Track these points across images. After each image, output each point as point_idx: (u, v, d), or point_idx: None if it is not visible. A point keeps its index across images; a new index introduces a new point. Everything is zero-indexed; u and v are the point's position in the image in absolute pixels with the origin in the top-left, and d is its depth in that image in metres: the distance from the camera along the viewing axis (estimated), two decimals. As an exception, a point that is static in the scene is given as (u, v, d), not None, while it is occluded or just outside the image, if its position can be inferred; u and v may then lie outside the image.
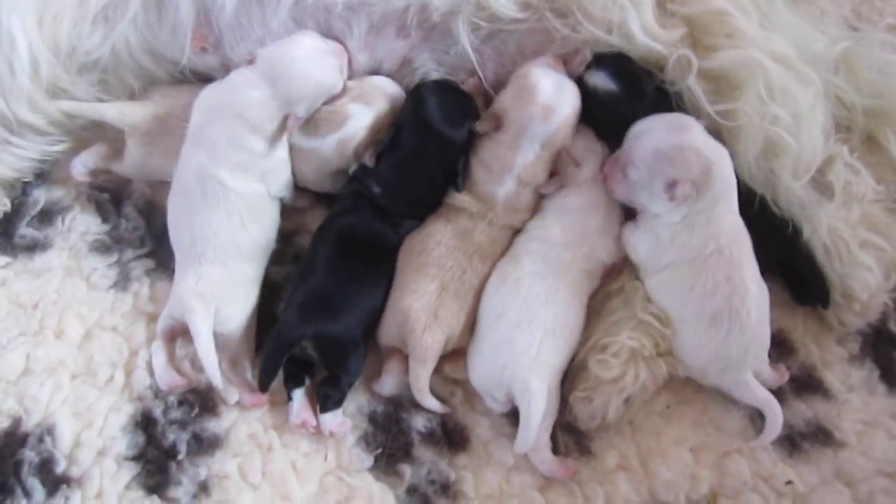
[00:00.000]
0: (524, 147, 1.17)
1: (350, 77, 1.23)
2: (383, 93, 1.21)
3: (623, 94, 1.18)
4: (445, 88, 1.20)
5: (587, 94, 1.19)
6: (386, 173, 1.19)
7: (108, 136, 1.28)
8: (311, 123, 1.19)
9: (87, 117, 1.25)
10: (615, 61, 1.19)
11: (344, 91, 1.20)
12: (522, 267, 1.14)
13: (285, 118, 1.17)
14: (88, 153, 1.27)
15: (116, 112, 1.24)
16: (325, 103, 1.19)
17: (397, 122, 1.20)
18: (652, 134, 1.12)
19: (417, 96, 1.19)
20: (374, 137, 1.20)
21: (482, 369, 1.12)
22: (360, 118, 1.19)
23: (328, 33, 1.21)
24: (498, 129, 1.18)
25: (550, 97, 1.16)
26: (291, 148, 1.21)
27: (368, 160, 1.18)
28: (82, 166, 1.27)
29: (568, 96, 1.17)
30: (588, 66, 1.20)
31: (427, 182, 1.19)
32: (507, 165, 1.17)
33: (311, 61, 1.17)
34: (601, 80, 1.19)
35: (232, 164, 1.15)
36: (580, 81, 1.19)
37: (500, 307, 1.12)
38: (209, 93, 1.19)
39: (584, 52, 1.20)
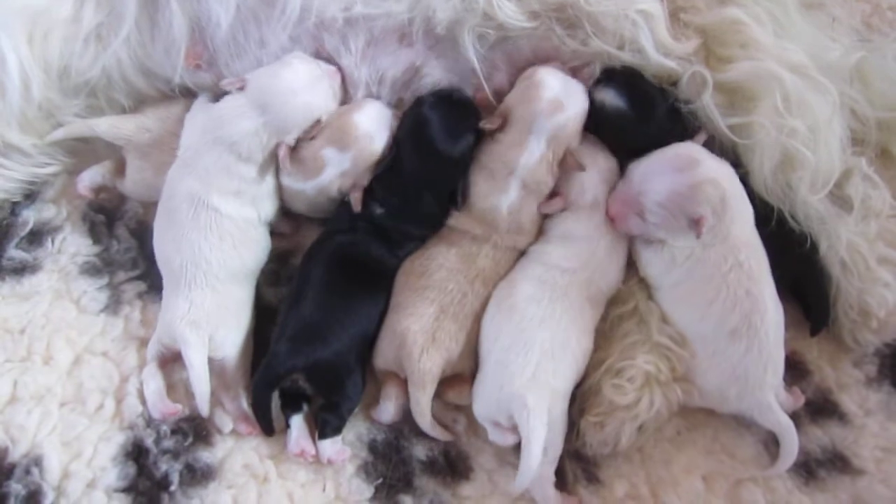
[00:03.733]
0: (530, 144, 1.13)
1: (347, 93, 1.20)
2: (357, 135, 1.15)
3: (632, 111, 1.15)
4: (445, 102, 1.16)
5: (595, 110, 1.15)
6: (389, 194, 1.16)
7: (98, 159, 1.26)
8: (293, 164, 1.16)
9: (80, 136, 1.23)
10: (625, 77, 1.16)
11: (321, 127, 1.16)
12: (518, 292, 1.11)
13: (276, 146, 1.15)
14: (96, 168, 1.26)
15: (108, 126, 1.22)
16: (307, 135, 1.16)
17: (397, 140, 1.16)
18: (663, 176, 1.09)
19: (416, 114, 1.15)
20: (358, 179, 1.16)
21: (484, 395, 1.08)
22: (337, 165, 1.15)
23: (321, 51, 1.18)
24: (502, 129, 1.15)
25: (557, 93, 1.13)
26: (283, 187, 1.19)
27: (355, 205, 1.15)
28: (89, 181, 1.25)
29: (576, 94, 1.14)
30: (597, 81, 1.17)
31: (432, 200, 1.16)
32: (510, 166, 1.14)
33: (304, 90, 1.14)
34: (610, 97, 1.16)
35: (224, 190, 1.13)
36: (589, 97, 1.16)
37: (496, 332, 1.09)
38: (199, 118, 1.16)
39: (594, 66, 1.17)
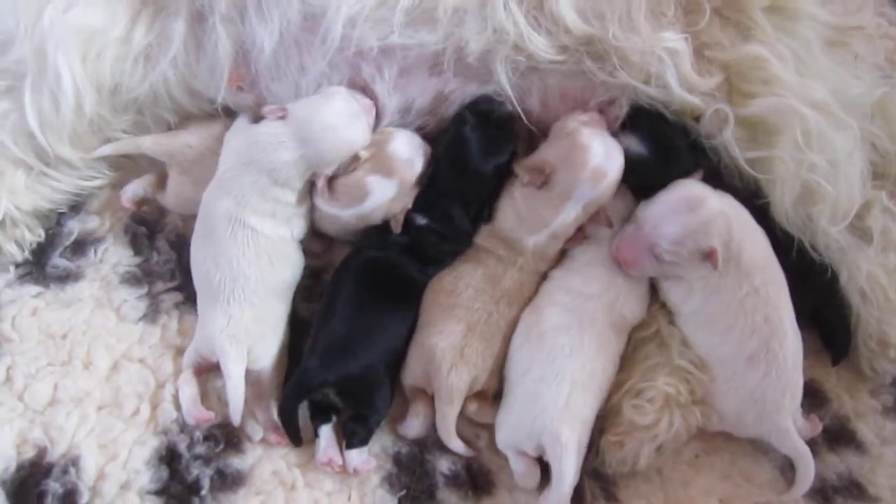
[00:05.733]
0: (567, 208, 1.16)
1: (377, 119, 1.23)
2: (401, 161, 1.19)
3: (653, 159, 1.19)
4: (485, 120, 1.19)
5: None
6: (428, 206, 1.19)
7: (141, 173, 1.30)
8: (332, 192, 1.20)
9: (126, 152, 1.27)
10: (649, 124, 1.20)
11: (362, 160, 1.19)
12: (546, 320, 1.13)
13: (313, 174, 1.19)
14: (139, 182, 1.30)
15: (153, 142, 1.26)
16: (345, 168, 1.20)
17: (437, 155, 1.21)
18: (675, 218, 1.12)
19: (456, 129, 1.19)
20: (400, 204, 1.20)
21: (512, 424, 1.10)
22: (381, 193, 1.19)
23: (357, 78, 1.22)
24: (543, 186, 1.17)
25: (601, 161, 1.15)
26: (318, 210, 1.23)
27: (396, 227, 1.19)
28: (132, 193, 1.29)
29: (615, 159, 1.17)
30: (623, 126, 1.21)
31: (462, 213, 1.20)
32: (544, 222, 1.17)
33: (343, 128, 1.17)
34: (633, 144, 1.19)
35: (260, 211, 1.17)
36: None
37: (526, 362, 1.12)
38: (238, 141, 1.20)
39: (621, 103, 1.20)
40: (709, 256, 1.10)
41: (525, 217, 1.18)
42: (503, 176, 1.21)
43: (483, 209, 1.20)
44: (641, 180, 1.20)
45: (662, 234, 1.12)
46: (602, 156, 1.15)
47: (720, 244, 1.10)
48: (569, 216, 1.17)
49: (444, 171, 1.19)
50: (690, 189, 1.14)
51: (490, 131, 1.19)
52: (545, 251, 1.19)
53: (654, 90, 1.18)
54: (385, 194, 1.19)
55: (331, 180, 1.20)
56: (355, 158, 1.19)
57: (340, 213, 1.21)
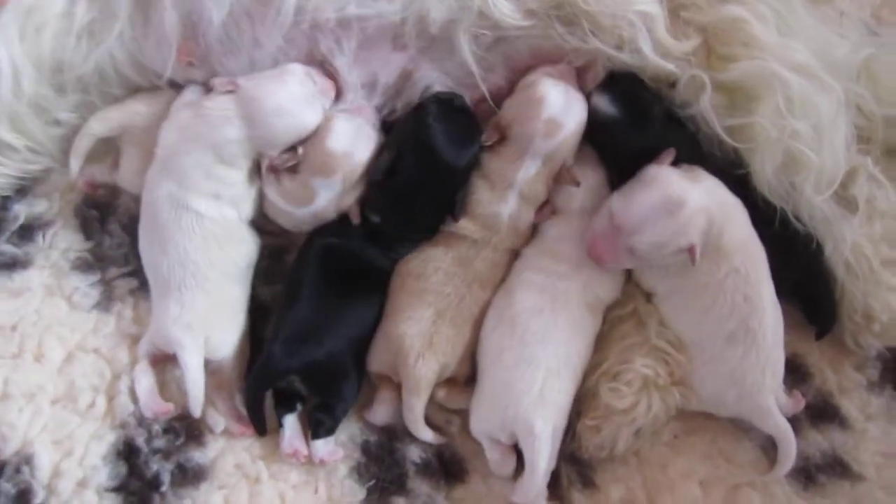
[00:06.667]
0: (526, 162, 1.12)
1: (339, 95, 1.17)
2: (339, 157, 1.12)
3: (624, 121, 1.13)
4: (449, 111, 1.13)
5: (591, 114, 1.14)
6: (386, 202, 1.13)
7: (91, 154, 1.23)
8: (280, 186, 1.14)
9: (88, 148, 1.21)
10: (624, 86, 1.14)
11: (300, 158, 1.13)
12: (517, 302, 1.09)
13: (259, 155, 1.14)
14: (100, 166, 1.24)
15: (101, 119, 1.20)
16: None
17: (398, 146, 1.13)
18: (656, 222, 1.05)
19: (420, 122, 1.12)
20: (350, 198, 1.14)
21: (485, 412, 1.07)
22: (327, 192, 1.13)
23: (315, 52, 1.15)
24: (501, 142, 1.13)
25: (556, 112, 1.11)
26: (268, 201, 1.16)
27: (354, 218, 1.14)
28: (91, 176, 1.24)
29: (574, 111, 1.12)
30: (598, 86, 1.15)
31: (430, 209, 1.14)
32: (508, 180, 1.13)
33: (296, 114, 1.12)
34: (604, 104, 1.14)
35: (202, 192, 1.11)
36: (588, 99, 1.14)
37: (499, 347, 1.08)
38: (183, 116, 1.14)
39: (598, 69, 1.15)
40: (688, 252, 1.06)
41: (493, 181, 1.13)
42: (472, 168, 1.15)
43: (454, 204, 1.13)
44: (609, 143, 1.15)
45: (642, 240, 1.06)
46: (558, 107, 1.10)
47: (699, 238, 1.06)
48: (529, 171, 1.12)
49: (409, 164, 1.12)
50: (669, 188, 1.06)
51: (455, 120, 1.13)
52: (518, 223, 1.14)
53: (628, 56, 1.13)
54: (331, 192, 1.13)
55: (278, 177, 1.14)
56: (294, 152, 1.13)
57: (294, 211, 1.15)
